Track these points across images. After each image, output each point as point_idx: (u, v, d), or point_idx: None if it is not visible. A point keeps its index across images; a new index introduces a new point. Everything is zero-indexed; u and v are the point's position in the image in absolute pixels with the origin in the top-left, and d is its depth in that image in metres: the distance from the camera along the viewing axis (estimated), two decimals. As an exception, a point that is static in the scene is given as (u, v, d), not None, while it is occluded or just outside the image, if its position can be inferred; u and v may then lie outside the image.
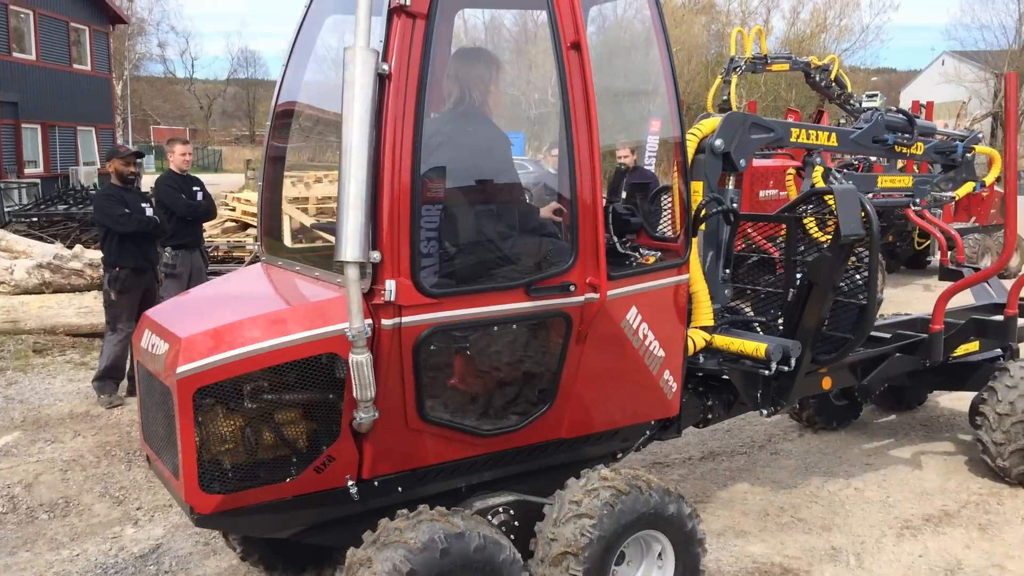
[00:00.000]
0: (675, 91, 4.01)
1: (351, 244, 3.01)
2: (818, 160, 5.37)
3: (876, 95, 12.41)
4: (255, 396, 3.24)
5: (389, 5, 3.18)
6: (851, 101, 11.40)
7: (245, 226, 14.13)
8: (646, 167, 10.08)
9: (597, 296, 3.56)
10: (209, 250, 9.68)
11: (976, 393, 5.56)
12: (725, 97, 10.42)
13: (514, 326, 3.58)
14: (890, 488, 5.46)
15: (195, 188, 8.08)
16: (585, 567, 3.37)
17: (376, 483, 3.45)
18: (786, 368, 4.39)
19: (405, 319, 3.23)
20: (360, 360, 3.11)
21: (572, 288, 3.54)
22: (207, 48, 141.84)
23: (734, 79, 10.54)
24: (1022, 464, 5.19)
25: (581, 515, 3.42)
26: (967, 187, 6.14)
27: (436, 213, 3.42)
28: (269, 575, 4.31)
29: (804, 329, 4.50)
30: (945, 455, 6.03)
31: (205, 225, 9.00)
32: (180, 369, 3.09)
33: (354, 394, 3.16)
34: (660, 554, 3.71)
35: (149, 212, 7.33)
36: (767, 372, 4.37)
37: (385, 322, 3.20)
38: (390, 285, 3.17)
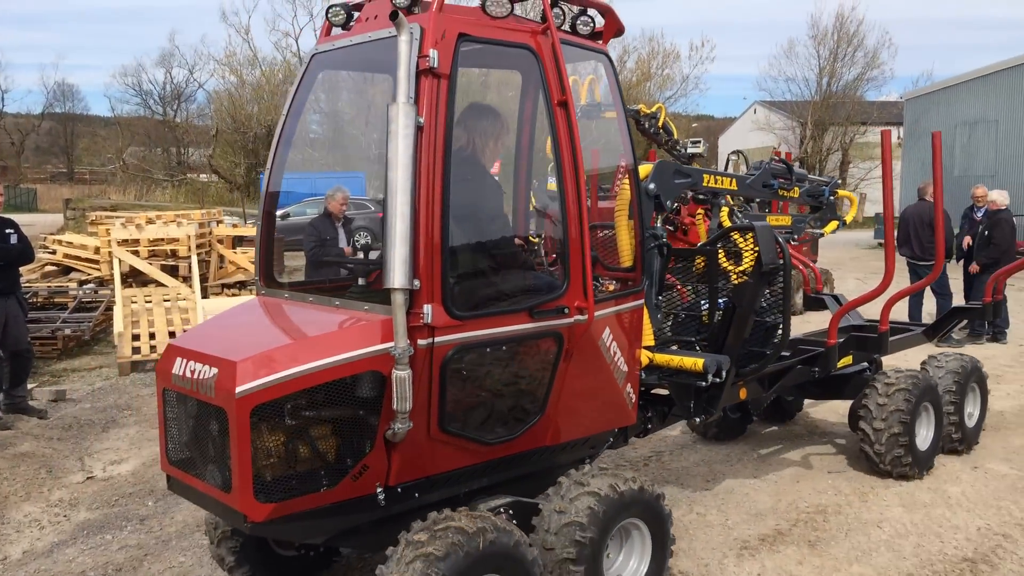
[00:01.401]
0: (630, 141, 4.68)
1: (399, 273, 3.45)
2: (722, 201, 6.19)
3: (699, 141, 13.70)
4: (303, 412, 3.57)
5: (419, 67, 3.65)
6: (677, 147, 12.59)
7: (68, 270, 13.36)
8: None
9: (585, 318, 4.13)
10: (28, 296, 9.06)
11: (852, 401, 6.50)
12: None
13: (519, 344, 4.08)
14: (728, 511, 5.78)
15: (8, 231, 7.68)
16: (590, 536, 3.92)
17: (399, 489, 3.84)
18: (718, 380, 5.09)
19: (437, 339, 3.68)
20: (403, 376, 3.53)
21: (565, 311, 4.10)
22: (19, 80, 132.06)
23: None
24: (895, 449, 6.13)
25: (590, 492, 4.01)
26: (832, 225, 7.19)
27: (459, 246, 3.90)
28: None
29: (730, 346, 5.23)
30: (777, 474, 6.47)
31: (23, 269, 8.58)
32: (239, 389, 3.38)
33: (394, 407, 3.56)
34: (638, 541, 4.30)
35: None
36: (703, 384, 5.05)
37: (420, 342, 3.64)
38: (427, 309, 3.62)
